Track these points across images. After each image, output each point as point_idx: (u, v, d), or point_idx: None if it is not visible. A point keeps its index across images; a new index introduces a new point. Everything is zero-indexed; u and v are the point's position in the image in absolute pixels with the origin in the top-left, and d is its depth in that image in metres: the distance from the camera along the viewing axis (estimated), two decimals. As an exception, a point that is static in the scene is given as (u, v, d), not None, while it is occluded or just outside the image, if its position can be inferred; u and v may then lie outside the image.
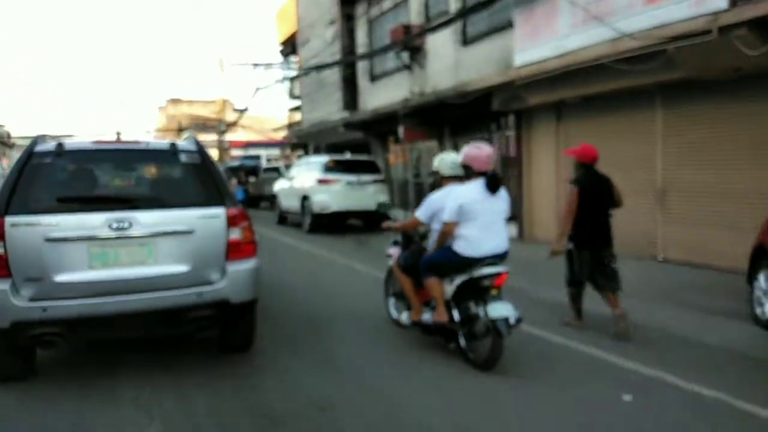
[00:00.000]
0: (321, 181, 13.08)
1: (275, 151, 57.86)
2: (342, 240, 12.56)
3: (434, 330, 4.70)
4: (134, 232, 3.92)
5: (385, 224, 5.38)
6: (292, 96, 35.11)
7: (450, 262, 4.43)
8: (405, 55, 14.47)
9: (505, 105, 11.19)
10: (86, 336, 4.33)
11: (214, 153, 47.73)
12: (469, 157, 4.52)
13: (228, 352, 4.73)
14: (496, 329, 4.11)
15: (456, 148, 14.04)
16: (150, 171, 4.73)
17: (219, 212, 4.15)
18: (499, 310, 4.13)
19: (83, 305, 3.80)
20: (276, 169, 24.52)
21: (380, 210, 6.61)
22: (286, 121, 34.02)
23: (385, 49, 14.48)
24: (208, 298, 4.06)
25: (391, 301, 5.46)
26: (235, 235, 4.19)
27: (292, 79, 25.58)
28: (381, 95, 15.93)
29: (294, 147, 37.60)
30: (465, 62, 12.54)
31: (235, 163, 35.96)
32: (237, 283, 4.18)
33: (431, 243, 4.74)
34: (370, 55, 15.51)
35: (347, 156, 14.03)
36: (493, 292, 4.28)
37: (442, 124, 13.92)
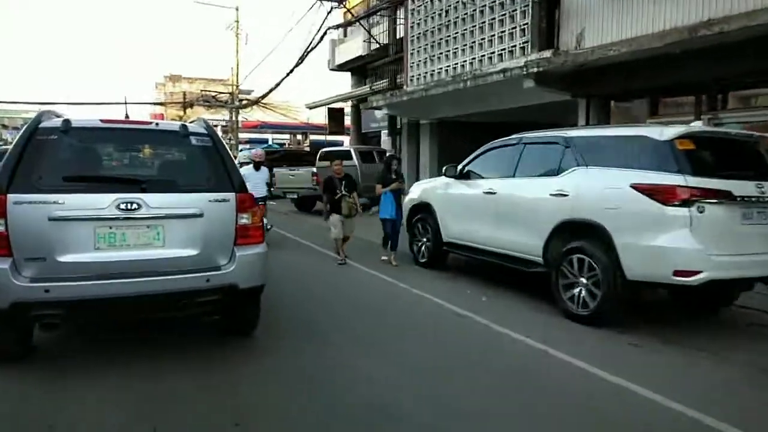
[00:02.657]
0: (677, 200, 4.33)
1: (283, 136, 48.83)
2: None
3: None
4: (142, 213, 3.60)
5: None
6: (334, 66, 26.21)
7: None
8: None
9: None
10: (90, 319, 4.07)
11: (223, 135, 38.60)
12: (252, 154, 9.29)
13: (231, 335, 4.40)
14: None
15: None
16: (160, 152, 4.30)
17: (229, 197, 3.87)
18: None
19: (87, 287, 3.44)
20: (345, 154, 15.43)
21: None
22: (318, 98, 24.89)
23: None
24: (216, 283, 3.73)
25: None
26: (244, 220, 3.90)
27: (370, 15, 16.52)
28: (632, 18, 7.18)
29: (333, 132, 28.69)
30: None
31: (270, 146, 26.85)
32: (245, 269, 3.85)
33: None
34: None
35: (699, 126, 5.18)
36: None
37: None
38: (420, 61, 11.69)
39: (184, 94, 33.59)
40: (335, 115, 26.25)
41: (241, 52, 35.25)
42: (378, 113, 21.47)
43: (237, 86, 34.07)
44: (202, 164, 3.99)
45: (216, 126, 37.36)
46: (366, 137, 27.19)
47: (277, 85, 18.72)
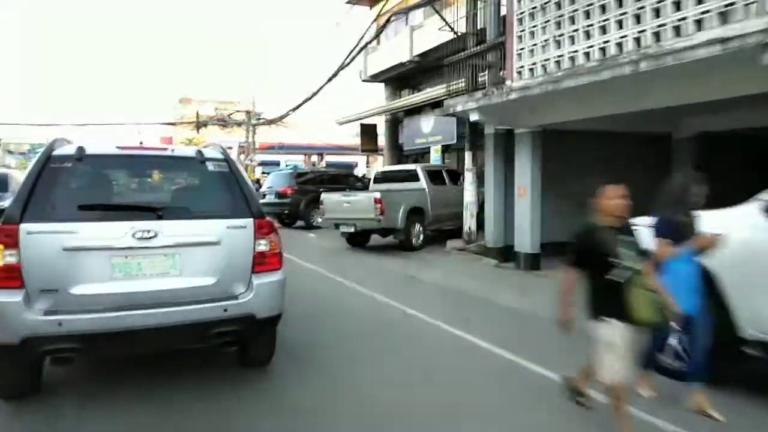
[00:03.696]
0: None
1: (296, 157, 45.95)
2: None
3: None
4: (159, 242, 3.42)
5: None
6: (367, 77, 23.09)
7: None
8: None
9: None
10: (105, 352, 3.73)
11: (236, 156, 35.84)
12: None
13: (247, 365, 4.17)
14: None
15: None
16: (176, 179, 4.29)
17: (246, 223, 3.69)
18: None
19: (103, 319, 3.24)
20: (410, 174, 12.02)
21: None
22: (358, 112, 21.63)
23: None
24: (234, 313, 3.54)
25: None
26: (262, 246, 3.71)
27: None
28: None
29: (366, 150, 25.35)
30: None
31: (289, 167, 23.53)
32: (263, 297, 3.65)
33: None
34: None
35: None
36: None
37: None
38: (535, 45, 8.39)
39: (197, 113, 30.46)
40: (369, 131, 23.05)
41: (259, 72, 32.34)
42: (425, 126, 18.21)
43: (254, 106, 31.06)
44: (219, 190, 3.84)
45: (230, 148, 34.50)
46: (401, 155, 23.90)
47: (314, 94, 15.49)
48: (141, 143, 4.43)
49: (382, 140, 23.99)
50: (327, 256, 11.01)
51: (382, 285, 7.60)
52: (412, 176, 11.71)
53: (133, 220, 3.40)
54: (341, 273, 8.60)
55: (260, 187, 21.02)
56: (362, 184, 17.54)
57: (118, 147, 3.88)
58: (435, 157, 17.34)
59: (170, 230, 3.44)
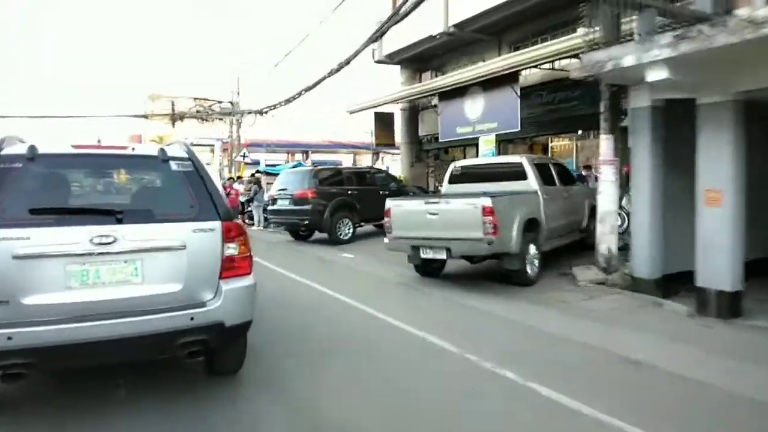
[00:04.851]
0: None
1: (278, 156, 41.83)
2: None
3: None
4: (119, 247, 3.19)
5: None
6: (382, 57, 19.25)
7: None
8: None
9: None
10: (61, 366, 3.57)
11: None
12: None
13: (215, 375, 3.99)
14: None
15: None
16: (137, 180, 4.02)
17: (214, 225, 3.46)
18: None
19: (57, 331, 3.00)
20: (513, 169, 8.23)
21: None
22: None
23: None
24: (200, 322, 3.30)
25: None
26: (231, 250, 3.48)
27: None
28: None
29: (381, 144, 21.39)
30: None
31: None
32: (232, 304, 3.43)
33: None
34: None
35: None
36: None
37: None
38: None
39: (173, 104, 26.05)
40: (385, 121, 19.23)
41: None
42: (471, 110, 14.44)
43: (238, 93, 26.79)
44: (184, 191, 3.57)
45: (211, 145, 29.84)
46: (420, 150, 20.10)
47: (341, 68, 11.59)
48: (99, 141, 4.19)
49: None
50: (397, 295, 7.14)
51: (599, 391, 3.81)
52: (514, 173, 7.90)
53: (90, 224, 3.18)
54: (469, 345, 4.80)
55: (260, 188, 16.93)
56: (396, 184, 13.71)
57: (73, 146, 3.63)
58: (486, 151, 13.62)
59: (131, 234, 3.23)
